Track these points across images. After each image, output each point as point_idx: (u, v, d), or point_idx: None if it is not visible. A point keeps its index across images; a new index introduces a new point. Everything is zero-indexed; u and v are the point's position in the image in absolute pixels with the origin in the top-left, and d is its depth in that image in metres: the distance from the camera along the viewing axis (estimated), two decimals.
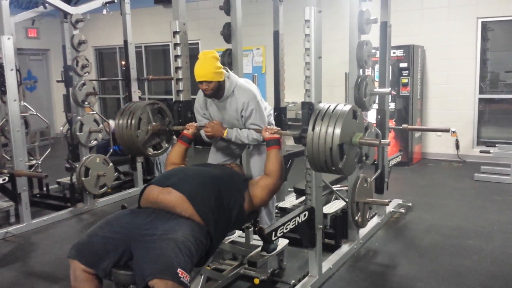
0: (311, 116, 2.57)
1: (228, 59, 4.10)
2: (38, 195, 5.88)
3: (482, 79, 7.40)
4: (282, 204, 4.42)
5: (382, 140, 3.95)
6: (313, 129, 2.45)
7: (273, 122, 3.71)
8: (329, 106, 2.52)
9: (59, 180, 6.12)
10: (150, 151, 3.42)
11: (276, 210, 4.02)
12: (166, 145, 3.51)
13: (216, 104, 3.37)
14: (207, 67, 3.12)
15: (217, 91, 3.23)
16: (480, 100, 7.42)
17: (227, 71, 3.33)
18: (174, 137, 3.49)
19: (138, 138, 3.27)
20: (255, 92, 3.34)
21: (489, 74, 7.53)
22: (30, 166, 5.49)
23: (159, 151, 3.49)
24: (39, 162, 5.68)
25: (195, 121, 3.43)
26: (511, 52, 7.50)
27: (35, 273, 3.85)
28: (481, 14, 7.14)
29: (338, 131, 2.38)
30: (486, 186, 5.95)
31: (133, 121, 3.22)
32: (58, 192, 6.06)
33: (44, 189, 5.94)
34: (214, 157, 3.63)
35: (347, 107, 2.47)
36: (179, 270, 2.13)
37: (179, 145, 3.22)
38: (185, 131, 3.24)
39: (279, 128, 3.04)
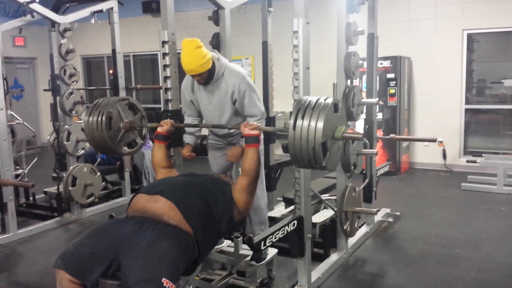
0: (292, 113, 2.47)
1: (216, 42, 4.11)
2: (24, 205, 5.80)
3: (468, 90, 7.49)
4: (271, 214, 4.42)
5: (363, 150, 3.96)
6: (294, 128, 2.36)
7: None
8: (310, 101, 2.41)
9: (45, 189, 6.05)
10: (125, 149, 3.25)
11: None
12: (141, 141, 3.34)
13: (204, 89, 3.38)
14: (194, 61, 3.13)
15: (209, 77, 3.28)
16: (467, 110, 7.52)
17: (216, 53, 3.38)
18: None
19: (110, 139, 3.09)
20: (244, 73, 3.39)
21: (475, 85, 7.63)
22: (17, 176, 5.43)
23: (134, 148, 3.32)
24: (26, 171, 5.62)
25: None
26: (496, 63, 7.62)
27: (21, 284, 3.80)
28: (466, 26, 7.25)
29: (320, 129, 2.29)
30: (473, 195, 6.01)
31: (103, 121, 3.02)
32: (44, 202, 5.98)
33: (31, 198, 5.86)
34: (217, 162, 3.68)
35: (328, 101, 2.39)
36: (163, 280, 2.11)
37: (157, 145, 3.12)
38: (159, 129, 3.11)
39: (259, 124, 2.98)
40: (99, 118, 3.02)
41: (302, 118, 2.35)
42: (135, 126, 3.21)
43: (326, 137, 2.35)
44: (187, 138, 3.57)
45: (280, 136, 6.64)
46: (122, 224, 2.47)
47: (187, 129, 3.67)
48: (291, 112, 3.07)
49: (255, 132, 2.88)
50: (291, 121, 2.39)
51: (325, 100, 2.39)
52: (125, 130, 3.17)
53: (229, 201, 2.76)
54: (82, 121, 5.41)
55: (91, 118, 3.05)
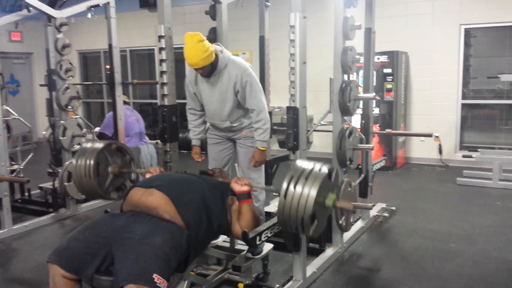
0: (286, 177, 2.41)
1: (213, 37, 4.11)
2: (19, 200, 5.79)
3: (465, 85, 7.50)
4: (267, 209, 4.42)
5: (359, 145, 3.96)
6: (285, 196, 2.31)
7: None
8: (304, 169, 2.35)
9: (41, 185, 6.03)
10: (114, 194, 3.19)
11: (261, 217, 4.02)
12: (131, 184, 3.25)
13: (207, 81, 3.41)
14: (196, 55, 3.15)
15: (212, 70, 3.32)
16: (463, 105, 7.53)
17: (219, 45, 3.41)
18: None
19: (99, 185, 3.03)
20: (247, 65, 3.43)
21: (472, 80, 7.64)
22: (12, 171, 5.41)
23: (124, 192, 3.17)
24: (21, 167, 5.59)
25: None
26: (493, 59, 7.63)
27: (16, 279, 3.79)
28: (464, 21, 7.25)
29: (311, 200, 2.24)
30: (468, 190, 6.03)
31: (90, 168, 2.96)
32: (40, 198, 5.97)
33: (26, 194, 5.85)
34: (215, 157, 3.72)
35: (324, 170, 2.34)
36: (155, 276, 2.11)
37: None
38: (147, 176, 3.01)
39: (249, 181, 2.95)
40: (87, 164, 2.97)
41: (295, 186, 2.31)
42: (124, 172, 3.16)
43: (316, 206, 2.31)
44: (194, 140, 3.63)
45: (277, 132, 6.63)
46: (116, 218, 2.47)
47: (192, 133, 3.69)
48: (287, 107, 3.08)
49: (245, 188, 2.83)
50: (283, 188, 2.36)
51: (320, 169, 2.36)
52: (113, 175, 3.12)
53: (223, 205, 2.76)
54: (78, 116, 5.42)
55: (79, 163, 2.99)
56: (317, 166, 2.36)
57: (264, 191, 3.74)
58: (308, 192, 2.26)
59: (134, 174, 3.23)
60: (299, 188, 2.29)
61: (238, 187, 2.85)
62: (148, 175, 3.02)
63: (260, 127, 3.45)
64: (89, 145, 3.08)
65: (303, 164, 2.39)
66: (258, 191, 3.63)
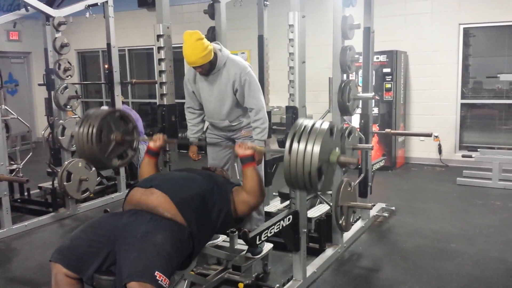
0: (287, 136, 2.40)
1: (212, 36, 4.10)
2: (19, 200, 5.79)
3: (464, 85, 7.49)
4: (267, 208, 4.42)
5: (359, 145, 3.96)
6: (289, 152, 2.32)
7: None
8: (306, 125, 2.36)
9: (40, 184, 6.03)
10: (115, 162, 3.16)
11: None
12: (132, 152, 3.23)
13: (205, 79, 3.41)
14: (195, 53, 3.14)
15: (210, 68, 3.31)
16: (462, 105, 7.52)
17: (218, 44, 3.41)
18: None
19: (101, 152, 2.99)
20: (246, 64, 3.43)
21: (471, 80, 7.64)
22: (11, 171, 5.41)
23: (125, 160, 3.22)
24: (20, 167, 5.59)
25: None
26: (492, 58, 7.62)
27: (16, 279, 3.78)
28: (463, 20, 7.25)
29: (316, 154, 2.24)
30: (468, 190, 6.02)
31: (93, 133, 2.92)
32: (39, 197, 5.97)
33: (25, 194, 5.84)
34: (215, 156, 3.71)
35: (325, 126, 2.35)
36: (157, 273, 2.12)
37: (147, 160, 3.06)
38: (151, 144, 3.05)
39: (253, 144, 2.95)
40: (90, 131, 2.93)
41: (298, 142, 2.31)
42: (126, 139, 3.14)
43: (322, 162, 2.32)
44: (192, 139, 3.63)
45: (276, 131, 6.62)
46: (118, 217, 2.48)
47: (190, 132, 3.68)
48: (287, 107, 3.08)
49: (249, 152, 2.83)
50: (287, 145, 2.35)
51: (321, 124, 2.35)
52: (116, 143, 3.08)
53: (226, 199, 2.75)
54: (76, 115, 5.41)
55: (81, 130, 2.95)
56: (318, 122, 2.37)
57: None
58: (311, 147, 2.26)
59: (136, 142, 3.22)
60: (302, 144, 2.29)
61: (241, 151, 2.84)
62: (151, 144, 3.04)
63: (258, 126, 3.44)
64: (92, 111, 3.06)
65: (304, 121, 2.40)
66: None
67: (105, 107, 6.30)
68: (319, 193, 2.47)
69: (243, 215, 2.85)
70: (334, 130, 2.45)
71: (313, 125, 2.35)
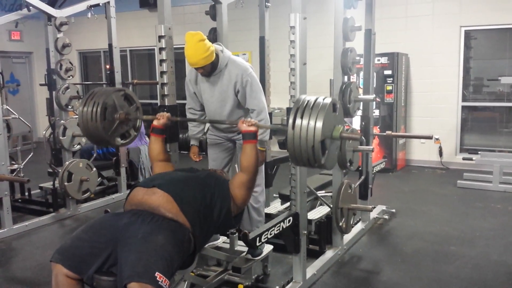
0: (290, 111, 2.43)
1: (213, 37, 4.11)
2: (20, 200, 5.79)
3: (465, 87, 7.49)
4: (267, 210, 4.41)
5: (360, 146, 3.96)
6: (293, 127, 2.34)
7: None
8: (308, 100, 2.39)
9: (41, 185, 6.04)
10: (118, 141, 3.18)
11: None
12: (135, 133, 3.27)
13: (207, 80, 3.41)
14: (197, 54, 3.14)
15: (212, 69, 3.32)
16: (463, 107, 7.52)
17: (220, 45, 3.42)
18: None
19: (104, 129, 3.01)
20: (248, 65, 3.43)
21: (472, 82, 7.63)
22: (12, 171, 5.41)
23: (127, 140, 3.25)
24: (21, 167, 5.60)
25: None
26: (493, 61, 7.62)
27: (16, 279, 3.79)
28: (464, 22, 7.25)
29: (319, 128, 2.26)
30: (468, 192, 6.02)
31: (98, 111, 2.94)
32: (40, 197, 5.98)
33: (26, 194, 5.85)
34: (215, 158, 3.72)
35: (327, 101, 2.36)
36: (157, 274, 2.11)
37: (154, 139, 3.09)
38: (155, 122, 3.07)
39: (256, 121, 2.96)
40: (94, 109, 2.95)
41: (301, 117, 2.32)
42: (130, 118, 3.15)
43: (325, 136, 2.33)
44: (192, 140, 3.63)
45: (277, 133, 6.62)
46: (119, 217, 2.48)
47: (191, 132, 3.68)
48: (287, 109, 3.08)
49: (252, 128, 2.84)
50: (290, 120, 2.36)
51: (323, 99, 2.37)
52: (119, 121, 3.09)
53: (226, 196, 2.76)
54: (78, 116, 5.41)
55: (85, 108, 2.97)
56: (321, 97, 2.38)
57: (263, 193, 3.72)
58: (314, 121, 2.27)
59: (139, 121, 3.23)
60: (305, 119, 2.30)
61: (245, 126, 2.85)
62: (155, 122, 3.05)
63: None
64: (97, 89, 3.07)
65: (307, 97, 2.40)
66: (258, 192, 3.61)
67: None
68: (323, 168, 2.46)
69: (243, 200, 2.82)
70: (337, 106, 2.46)
71: (315, 100, 2.36)
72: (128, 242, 2.26)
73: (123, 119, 3.11)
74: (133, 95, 3.24)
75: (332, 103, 2.38)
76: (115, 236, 2.32)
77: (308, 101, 2.37)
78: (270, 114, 4.69)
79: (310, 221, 3.98)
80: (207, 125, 3.78)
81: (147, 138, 6.18)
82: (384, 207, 5.11)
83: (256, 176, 2.88)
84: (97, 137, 3.07)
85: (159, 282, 2.10)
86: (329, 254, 3.89)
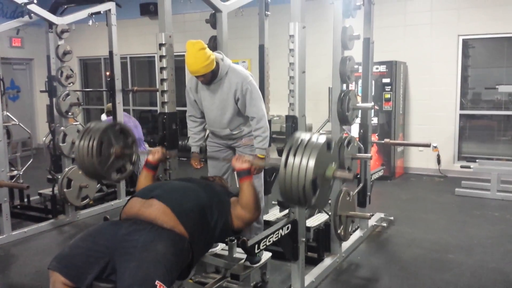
0: (284, 148, 2.38)
1: (213, 45, 4.14)
2: (19, 206, 5.79)
3: (463, 95, 7.53)
4: (266, 217, 4.43)
5: (358, 155, 3.98)
6: (285, 165, 2.30)
7: None
8: (302, 138, 2.34)
9: (40, 191, 6.04)
10: (114, 176, 3.17)
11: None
12: (131, 167, 3.22)
13: (207, 88, 3.43)
14: (198, 63, 3.18)
15: (212, 78, 3.35)
16: (461, 116, 7.56)
17: (220, 53, 3.46)
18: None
19: (100, 165, 3.00)
20: (248, 73, 3.47)
21: (470, 91, 7.67)
22: (12, 177, 5.42)
23: (123, 174, 3.23)
24: (21, 173, 5.61)
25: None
26: (491, 69, 7.67)
27: (14, 285, 3.79)
28: (462, 31, 7.30)
29: (311, 167, 2.22)
30: (466, 200, 6.03)
31: (94, 146, 2.94)
32: (39, 204, 5.97)
33: (25, 200, 5.85)
34: (215, 165, 3.74)
35: (321, 139, 2.33)
36: (157, 283, 2.11)
37: (145, 174, 3.02)
38: (149, 157, 3.02)
39: (250, 158, 2.93)
40: (90, 144, 2.95)
41: (294, 156, 2.29)
42: (126, 153, 3.15)
43: (317, 175, 2.30)
44: (193, 147, 3.65)
45: (276, 140, 6.63)
46: (117, 226, 2.46)
47: (192, 140, 3.71)
48: (287, 116, 3.10)
49: (246, 165, 2.80)
50: (283, 158, 2.34)
51: (317, 138, 2.34)
52: (115, 156, 3.09)
53: (225, 210, 2.75)
54: (78, 122, 5.43)
55: (82, 143, 2.98)
56: (315, 136, 2.37)
57: (262, 200, 3.75)
58: (306, 161, 2.25)
59: (135, 156, 3.24)
60: (298, 158, 2.28)
61: (238, 164, 2.81)
62: (150, 157, 3.02)
63: (260, 135, 3.47)
64: (93, 124, 3.09)
65: (302, 135, 2.41)
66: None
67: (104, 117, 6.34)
68: (314, 208, 2.44)
69: (239, 228, 2.80)
70: (331, 144, 2.43)
71: (309, 138, 2.33)
72: (128, 251, 2.26)
73: (119, 154, 3.09)
74: (129, 129, 3.24)
75: (326, 142, 2.35)
76: (113, 245, 2.32)
77: (302, 139, 2.34)
78: (270, 121, 4.71)
79: (308, 229, 3.99)
80: (207, 132, 3.80)
81: (146, 145, 6.21)
82: (382, 215, 5.12)
83: (258, 213, 2.80)
84: (93, 172, 3.05)
85: None
86: (327, 261, 3.89)
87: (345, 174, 2.47)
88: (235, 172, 2.91)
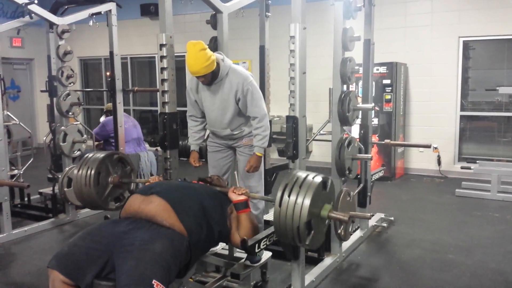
0: (280, 185, 2.39)
1: (214, 46, 4.15)
2: (19, 205, 5.81)
3: (463, 97, 7.54)
4: (266, 217, 4.43)
5: (358, 155, 3.98)
6: (280, 204, 2.30)
7: None
8: (298, 177, 2.33)
9: (41, 190, 6.05)
10: (112, 204, 3.22)
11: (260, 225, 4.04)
12: (129, 194, 3.27)
13: (208, 89, 3.44)
14: (198, 64, 3.19)
15: (213, 78, 3.36)
16: (462, 117, 7.56)
17: (221, 54, 3.46)
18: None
19: (98, 194, 3.05)
20: (248, 74, 3.48)
21: (470, 92, 7.68)
22: (12, 176, 5.43)
23: (122, 203, 3.25)
24: (21, 172, 5.61)
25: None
26: (492, 71, 7.67)
27: (15, 284, 3.80)
28: (462, 33, 7.31)
29: (306, 207, 2.21)
30: (467, 201, 6.04)
31: (91, 176, 2.99)
32: (39, 203, 5.98)
33: (26, 199, 5.86)
34: (215, 165, 3.74)
35: (317, 179, 2.32)
36: (154, 282, 2.12)
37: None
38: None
39: (246, 190, 2.96)
40: (88, 173, 2.99)
41: (289, 195, 2.29)
42: (124, 182, 3.18)
43: (312, 216, 2.28)
44: (192, 146, 3.66)
45: (276, 140, 6.64)
46: (117, 225, 2.48)
47: (191, 138, 3.72)
48: (287, 117, 3.11)
49: (243, 197, 2.83)
50: (278, 196, 2.34)
51: (313, 177, 2.33)
52: (113, 185, 3.12)
53: (223, 209, 2.77)
54: (78, 122, 5.44)
55: (80, 173, 3.01)
56: (311, 175, 2.35)
57: (262, 200, 3.75)
58: (302, 200, 2.24)
59: (134, 185, 3.25)
60: (293, 197, 2.27)
61: (235, 196, 2.84)
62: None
63: (260, 133, 3.48)
64: (91, 154, 3.11)
65: (298, 173, 2.39)
66: (257, 199, 3.65)
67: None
68: (308, 248, 2.44)
69: (235, 246, 2.84)
70: (327, 184, 2.42)
71: (305, 177, 2.33)
72: (126, 249, 2.27)
73: (117, 183, 3.13)
74: (127, 157, 3.27)
75: (322, 182, 2.35)
76: (112, 243, 2.33)
77: (298, 177, 2.33)
78: (270, 122, 4.73)
79: None
80: (207, 132, 3.81)
81: (146, 145, 6.21)
82: (382, 215, 5.13)
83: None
84: (91, 202, 3.10)
85: None
86: (327, 261, 3.90)
87: (340, 216, 2.46)
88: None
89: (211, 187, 3.03)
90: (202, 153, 3.84)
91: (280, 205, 2.31)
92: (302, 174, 2.37)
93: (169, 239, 2.37)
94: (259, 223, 3.68)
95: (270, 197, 3.33)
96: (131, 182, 3.23)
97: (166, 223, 2.47)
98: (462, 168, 6.66)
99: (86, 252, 2.31)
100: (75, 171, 3.06)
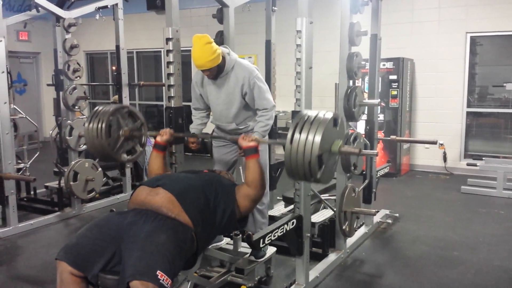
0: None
1: (220, 40, 4.14)
2: (25, 199, 5.83)
3: (470, 93, 7.50)
4: (271, 212, 4.44)
5: (364, 151, 3.97)
6: (291, 141, 2.31)
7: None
8: (309, 115, 2.36)
9: (47, 184, 6.08)
10: (124, 157, 3.22)
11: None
12: (141, 148, 3.30)
13: (213, 83, 3.44)
14: (204, 57, 3.18)
15: (218, 72, 3.35)
16: (468, 113, 7.52)
17: (227, 48, 3.45)
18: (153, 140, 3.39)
19: (110, 146, 3.05)
20: (254, 67, 3.46)
21: (477, 88, 7.63)
22: (18, 170, 5.46)
23: (133, 156, 3.28)
24: (27, 166, 5.64)
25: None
26: (499, 67, 7.62)
27: (20, 277, 3.82)
28: (470, 29, 7.25)
29: (317, 143, 2.24)
30: (472, 198, 6.02)
31: (102, 128, 2.99)
32: (45, 196, 6.02)
33: (32, 193, 5.89)
34: (221, 159, 3.73)
35: (328, 115, 2.35)
36: (158, 272, 2.14)
37: (155, 154, 3.12)
38: (158, 138, 3.12)
39: (256, 136, 2.98)
40: (99, 126, 2.99)
41: (300, 132, 2.30)
42: (135, 134, 3.19)
43: (323, 151, 2.30)
44: (193, 129, 3.65)
45: (281, 136, 6.61)
46: (123, 217, 2.50)
47: (193, 123, 3.73)
48: (293, 112, 3.11)
49: (252, 143, 2.85)
50: (289, 135, 2.34)
51: (324, 114, 2.34)
52: (124, 138, 3.13)
53: (231, 198, 2.78)
54: (84, 116, 5.46)
55: (91, 126, 3.02)
56: (322, 112, 2.37)
57: (267, 195, 3.75)
58: (313, 136, 2.26)
59: (145, 137, 3.27)
60: (304, 134, 2.28)
61: (245, 142, 2.85)
62: (158, 138, 3.10)
63: (262, 121, 3.44)
64: (101, 107, 3.11)
65: (308, 112, 2.40)
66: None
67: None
68: (319, 183, 2.44)
69: (246, 210, 2.84)
70: (338, 120, 2.44)
71: (316, 115, 2.35)
72: (131, 241, 2.29)
73: (128, 136, 3.14)
74: (137, 111, 3.27)
75: (333, 118, 2.36)
76: (119, 235, 2.36)
77: (308, 116, 2.35)
78: (275, 117, 4.73)
79: (313, 224, 3.99)
80: (211, 126, 3.81)
81: (152, 139, 6.22)
82: (387, 212, 5.12)
83: (263, 190, 2.87)
84: (104, 153, 3.10)
85: (161, 281, 2.12)
86: (332, 257, 3.90)
87: (351, 149, 2.49)
88: (244, 163, 2.93)
89: (218, 175, 3.03)
90: (208, 148, 3.84)
91: (291, 142, 2.32)
92: (312, 112, 2.38)
93: (174, 230, 2.39)
94: (263, 218, 3.69)
95: (278, 140, 3.23)
96: (142, 136, 3.24)
97: (171, 214, 2.49)
98: (468, 165, 6.63)
99: (94, 244, 2.34)
100: (86, 124, 3.07)
